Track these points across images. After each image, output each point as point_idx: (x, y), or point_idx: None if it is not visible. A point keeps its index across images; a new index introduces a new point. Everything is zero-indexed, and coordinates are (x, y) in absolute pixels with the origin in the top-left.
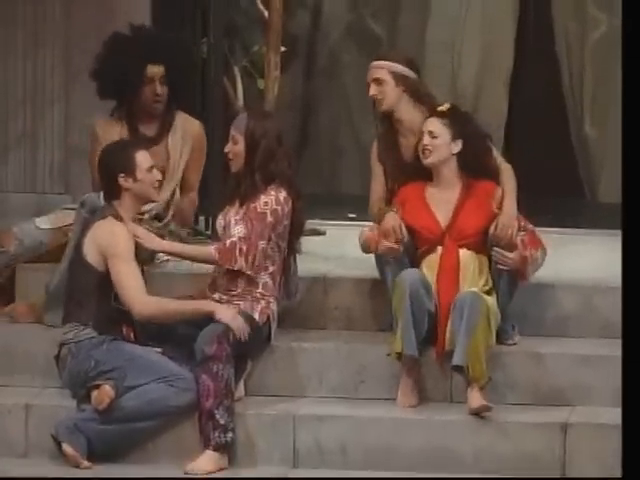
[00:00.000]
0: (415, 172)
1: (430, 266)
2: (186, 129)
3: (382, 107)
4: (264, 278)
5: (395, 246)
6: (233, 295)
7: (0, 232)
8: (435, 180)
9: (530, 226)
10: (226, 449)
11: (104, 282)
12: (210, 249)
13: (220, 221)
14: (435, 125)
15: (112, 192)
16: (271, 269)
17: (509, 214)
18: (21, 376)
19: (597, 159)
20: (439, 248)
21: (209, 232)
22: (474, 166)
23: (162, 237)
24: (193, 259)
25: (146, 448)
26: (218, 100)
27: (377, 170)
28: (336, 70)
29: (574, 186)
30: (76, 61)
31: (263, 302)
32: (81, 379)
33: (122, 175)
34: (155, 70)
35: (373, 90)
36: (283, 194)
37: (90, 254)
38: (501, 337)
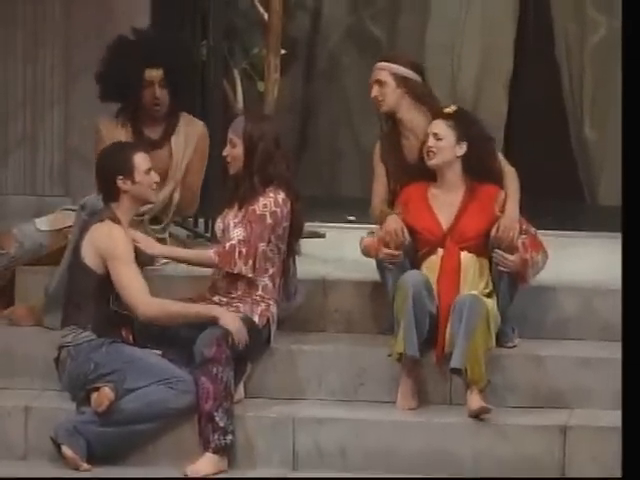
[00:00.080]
0: (418, 173)
1: (431, 268)
2: (189, 130)
3: (382, 108)
4: (264, 281)
5: (395, 253)
6: (233, 298)
7: (0, 234)
8: (439, 182)
9: (532, 229)
10: (226, 451)
11: (103, 285)
12: (209, 252)
13: (219, 224)
14: (440, 127)
15: (110, 194)
16: (271, 271)
17: (511, 217)
18: (21, 378)
19: (597, 161)
20: (440, 250)
21: (209, 235)
22: (478, 169)
23: (162, 241)
24: (193, 263)
25: (146, 450)
26: (218, 103)
27: (379, 170)
28: (336, 73)
29: (574, 189)
30: (76, 61)
31: (263, 305)
32: (80, 382)
33: (120, 177)
34: (154, 74)
35: (374, 91)
36: (282, 196)
37: (88, 257)
38: (501, 339)
